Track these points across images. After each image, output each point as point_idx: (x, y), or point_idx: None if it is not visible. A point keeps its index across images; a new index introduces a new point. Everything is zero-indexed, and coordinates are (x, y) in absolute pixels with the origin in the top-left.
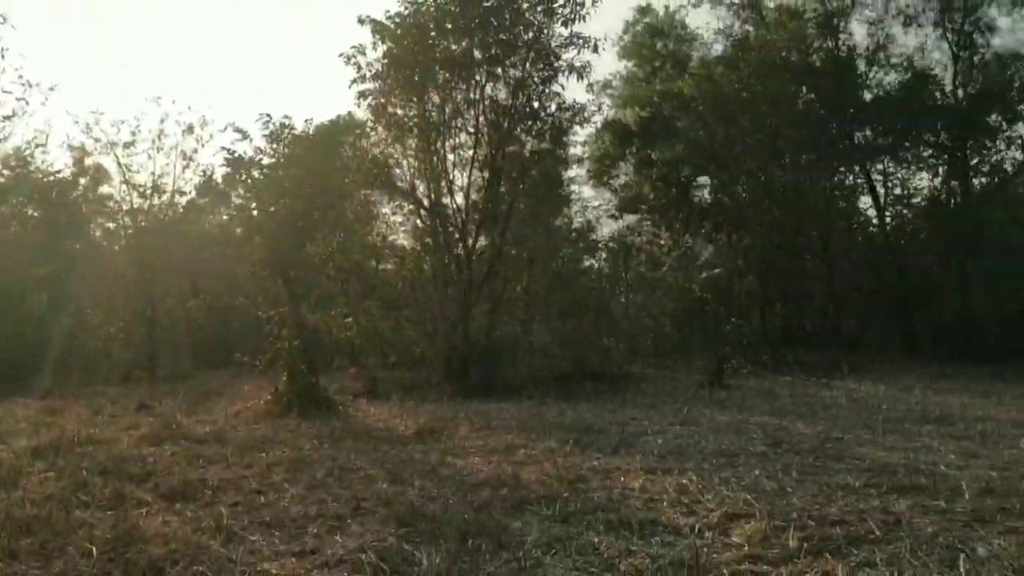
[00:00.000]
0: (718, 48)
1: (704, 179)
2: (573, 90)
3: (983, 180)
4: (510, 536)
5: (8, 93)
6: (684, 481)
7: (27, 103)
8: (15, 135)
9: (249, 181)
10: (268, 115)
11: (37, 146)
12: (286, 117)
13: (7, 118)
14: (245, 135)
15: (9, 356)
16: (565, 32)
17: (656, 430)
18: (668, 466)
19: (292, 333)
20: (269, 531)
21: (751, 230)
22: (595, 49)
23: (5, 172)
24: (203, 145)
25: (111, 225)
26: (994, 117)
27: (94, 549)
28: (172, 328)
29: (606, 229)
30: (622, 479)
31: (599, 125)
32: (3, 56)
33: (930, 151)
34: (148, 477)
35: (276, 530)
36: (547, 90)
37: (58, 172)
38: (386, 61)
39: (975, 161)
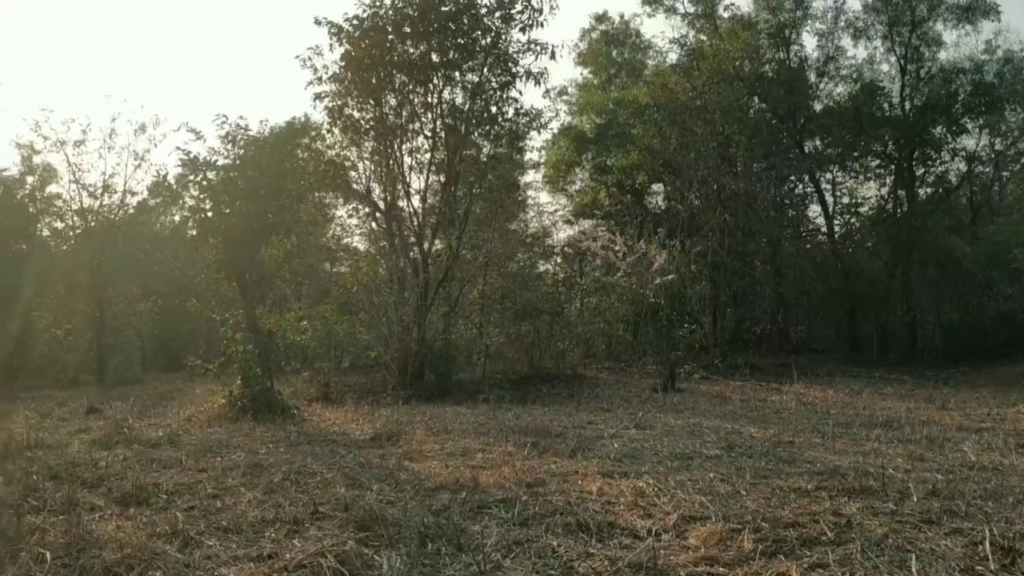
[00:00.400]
0: (672, 57)
1: (658, 186)
2: (530, 96)
3: (928, 191)
4: (470, 539)
5: None
6: (641, 484)
7: None
8: None
9: (204, 182)
10: (224, 115)
11: None
12: (241, 118)
13: None
14: (199, 135)
15: None
16: (523, 38)
17: (612, 434)
18: (625, 469)
19: (247, 336)
20: (226, 536)
21: (703, 236)
22: (552, 56)
23: None
24: (156, 145)
25: (60, 225)
26: (939, 129)
27: (48, 555)
28: (121, 331)
29: (562, 234)
30: (580, 482)
31: (555, 131)
32: None
33: (877, 162)
34: (100, 482)
35: (233, 535)
36: (505, 95)
37: (4, 170)
38: (343, 63)
39: (921, 172)
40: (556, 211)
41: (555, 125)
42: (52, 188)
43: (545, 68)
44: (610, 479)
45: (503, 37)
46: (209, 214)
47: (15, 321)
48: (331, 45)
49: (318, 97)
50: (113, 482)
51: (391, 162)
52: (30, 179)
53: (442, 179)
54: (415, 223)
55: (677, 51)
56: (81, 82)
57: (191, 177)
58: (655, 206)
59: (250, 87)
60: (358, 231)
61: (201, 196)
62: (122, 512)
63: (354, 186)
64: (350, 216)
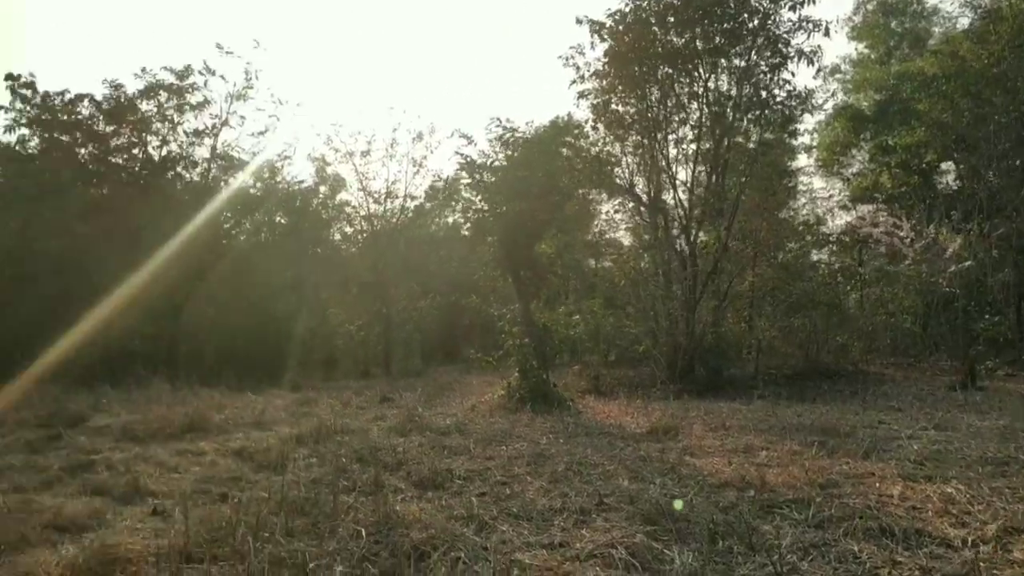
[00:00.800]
0: (963, 22)
1: (949, 164)
2: (800, 76)
3: None
4: (762, 539)
5: (261, 111)
6: (949, 490)
7: (278, 119)
8: (267, 149)
9: (481, 184)
10: (497, 119)
11: (284, 158)
12: (508, 120)
13: (260, 134)
14: (470, 140)
15: (263, 351)
16: (793, 16)
17: (908, 435)
18: (928, 473)
19: (523, 330)
20: (517, 522)
21: (1006, 218)
22: (826, 32)
23: (257, 184)
24: (432, 151)
25: (349, 230)
26: None
27: (363, 531)
28: (404, 326)
29: (837, 220)
30: (877, 485)
31: (829, 111)
32: (256, 77)
33: None
34: (400, 466)
35: (524, 521)
36: (775, 78)
37: (301, 182)
38: (606, 59)
39: None
40: (830, 196)
41: (829, 105)
42: (342, 196)
43: (818, 46)
44: (912, 483)
45: (772, 18)
46: (485, 214)
47: (314, 318)
48: (592, 43)
49: (582, 95)
50: (411, 466)
51: (656, 155)
52: (322, 188)
53: (707, 169)
54: (681, 215)
55: (969, 15)
56: (367, 97)
57: (467, 179)
58: (945, 186)
59: (513, 89)
60: (623, 226)
61: (478, 197)
62: (421, 495)
63: (617, 181)
64: (616, 211)
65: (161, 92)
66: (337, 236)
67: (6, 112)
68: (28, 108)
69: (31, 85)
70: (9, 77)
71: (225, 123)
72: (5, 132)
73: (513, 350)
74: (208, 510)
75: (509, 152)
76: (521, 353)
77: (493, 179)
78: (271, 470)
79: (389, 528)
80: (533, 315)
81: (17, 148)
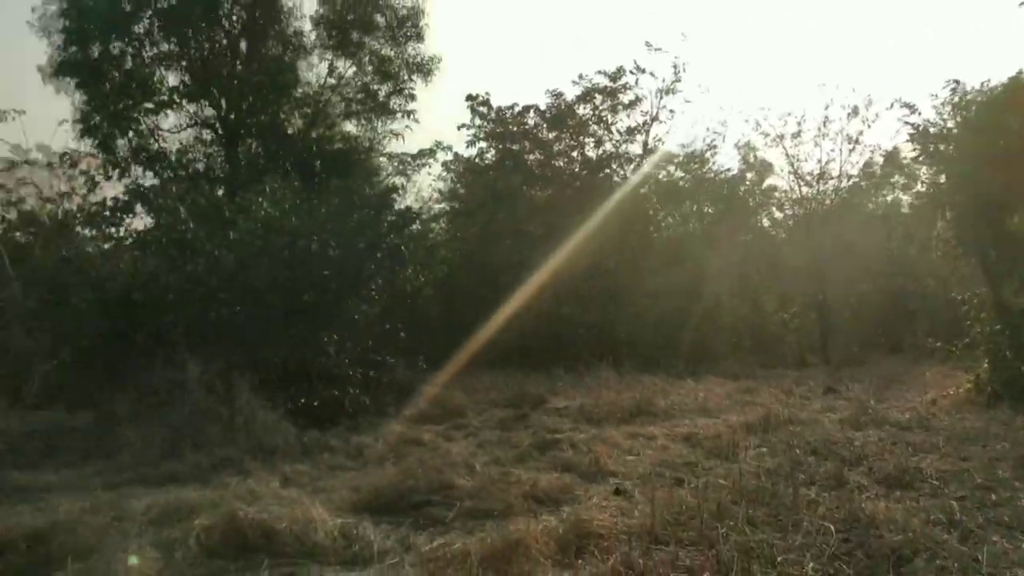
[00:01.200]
0: None
1: None
2: None
3: None
4: None
5: (689, 103)
6: None
7: (705, 109)
8: (695, 140)
9: (936, 154)
10: (954, 80)
11: (711, 147)
12: (956, 82)
13: (689, 126)
14: (914, 109)
15: (695, 338)
16: None
17: None
18: None
19: (993, 316)
20: (1011, 533)
21: None
22: None
23: (686, 175)
24: (868, 126)
25: (778, 215)
26: None
27: (832, 528)
28: (840, 312)
29: None
30: None
31: None
32: (684, 70)
33: None
34: (859, 461)
35: (1019, 533)
36: None
37: (728, 170)
38: None
39: None
40: None
41: None
42: (769, 181)
43: None
44: None
45: None
46: (941, 187)
47: (746, 306)
48: None
49: None
50: (872, 462)
51: None
52: (749, 175)
53: None
54: None
55: None
56: (795, 76)
57: (912, 151)
58: None
59: (953, 48)
60: None
61: (931, 170)
62: (887, 493)
63: None
64: None
65: (596, 95)
66: (766, 222)
67: (467, 129)
68: (484, 123)
69: (486, 103)
70: (469, 98)
71: (655, 118)
72: (467, 147)
73: (982, 338)
74: (667, 493)
75: (964, 116)
76: (993, 342)
77: (943, 147)
78: (722, 458)
79: (858, 527)
80: (1006, 299)
81: (476, 160)
